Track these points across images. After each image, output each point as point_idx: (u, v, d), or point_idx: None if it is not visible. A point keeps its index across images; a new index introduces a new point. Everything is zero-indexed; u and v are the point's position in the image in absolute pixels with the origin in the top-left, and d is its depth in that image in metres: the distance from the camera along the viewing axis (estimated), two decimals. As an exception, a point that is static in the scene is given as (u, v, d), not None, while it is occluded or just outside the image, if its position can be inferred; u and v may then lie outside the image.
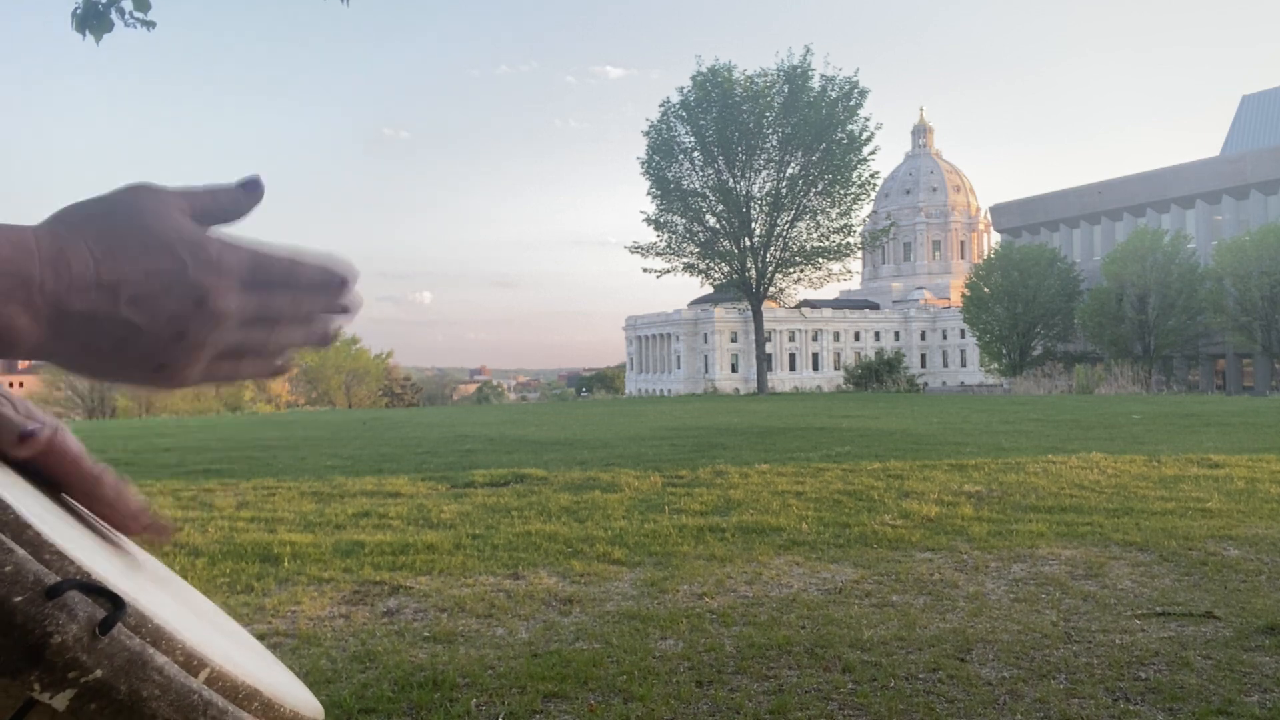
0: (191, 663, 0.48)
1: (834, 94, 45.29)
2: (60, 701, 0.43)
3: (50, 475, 0.63)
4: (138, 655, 0.45)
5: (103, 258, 0.48)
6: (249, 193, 0.55)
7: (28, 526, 0.46)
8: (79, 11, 4.93)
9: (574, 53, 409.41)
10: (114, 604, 0.45)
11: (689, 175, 47.37)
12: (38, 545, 0.45)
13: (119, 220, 0.49)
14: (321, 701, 0.73)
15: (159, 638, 0.47)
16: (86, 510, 0.67)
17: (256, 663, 0.63)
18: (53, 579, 0.44)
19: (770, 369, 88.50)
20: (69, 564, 0.46)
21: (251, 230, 0.57)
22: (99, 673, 0.44)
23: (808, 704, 3.54)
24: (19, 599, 0.42)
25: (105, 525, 0.69)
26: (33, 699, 0.43)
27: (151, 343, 0.50)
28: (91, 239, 0.48)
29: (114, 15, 4.97)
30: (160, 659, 0.46)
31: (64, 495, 0.66)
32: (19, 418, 0.60)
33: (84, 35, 4.93)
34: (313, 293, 0.56)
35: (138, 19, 5.03)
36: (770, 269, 46.62)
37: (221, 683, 0.50)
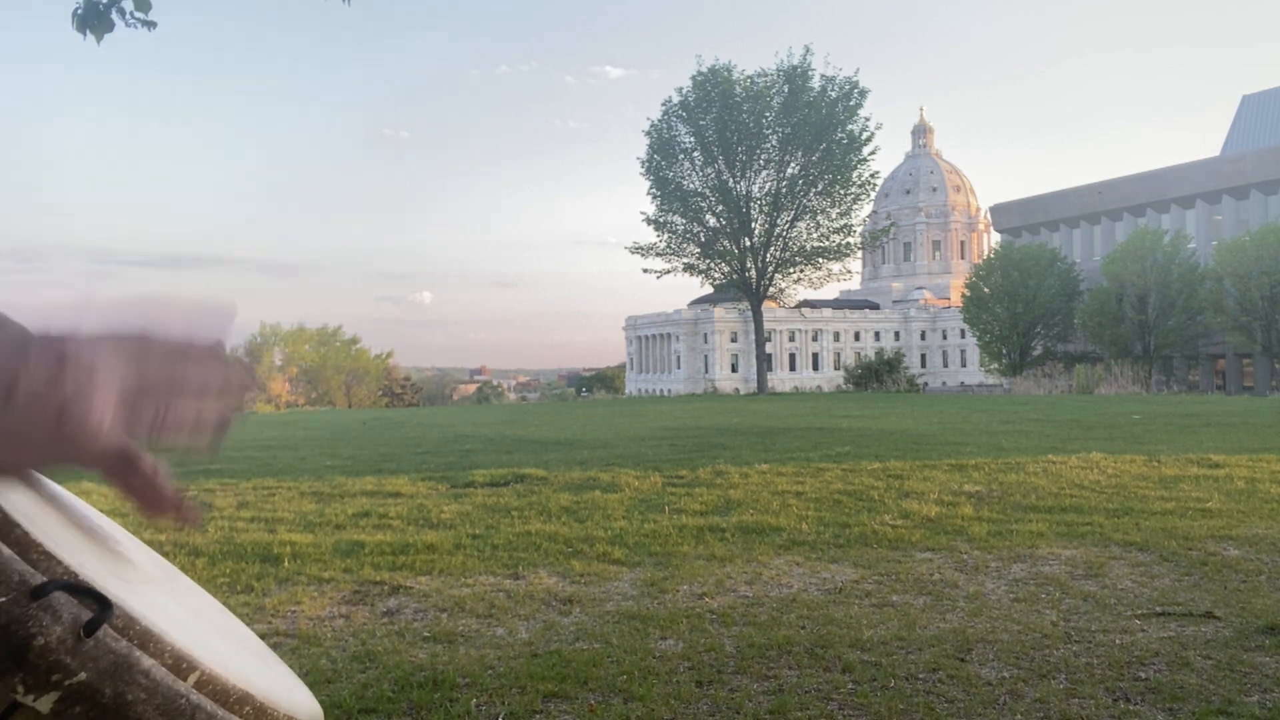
0: (180, 665, 0.48)
1: (834, 94, 45.28)
2: (44, 704, 0.43)
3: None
4: (124, 658, 0.45)
5: None
6: None
7: (15, 525, 0.45)
8: (80, 11, 4.92)
9: (574, 53, 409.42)
10: (100, 605, 0.45)
11: (689, 175, 47.39)
12: (25, 545, 0.45)
13: None
14: (321, 701, 0.73)
15: (147, 640, 0.47)
16: (84, 508, 0.67)
17: (254, 664, 0.62)
18: (38, 579, 0.44)
19: (770, 369, 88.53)
20: (56, 564, 0.45)
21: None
22: (83, 675, 0.43)
23: (808, 704, 3.53)
24: (2, 599, 0.42)
25: (106, 523, 0.68)
26: (16, 701, 0.43)
27: (34, 378, 0.47)
28: None
29: (115, 15, 4.97)
30: (147, 662, 0.46)
31: (62, 494, 0.65)
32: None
33: (85, 35, 4.93)
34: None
35: (138, 19, 5.02)
36: (770, 269, 46.62)
37: (212, 686, 0.49)
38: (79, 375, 0.48)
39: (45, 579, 0.44)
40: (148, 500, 0.63)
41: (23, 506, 0.50)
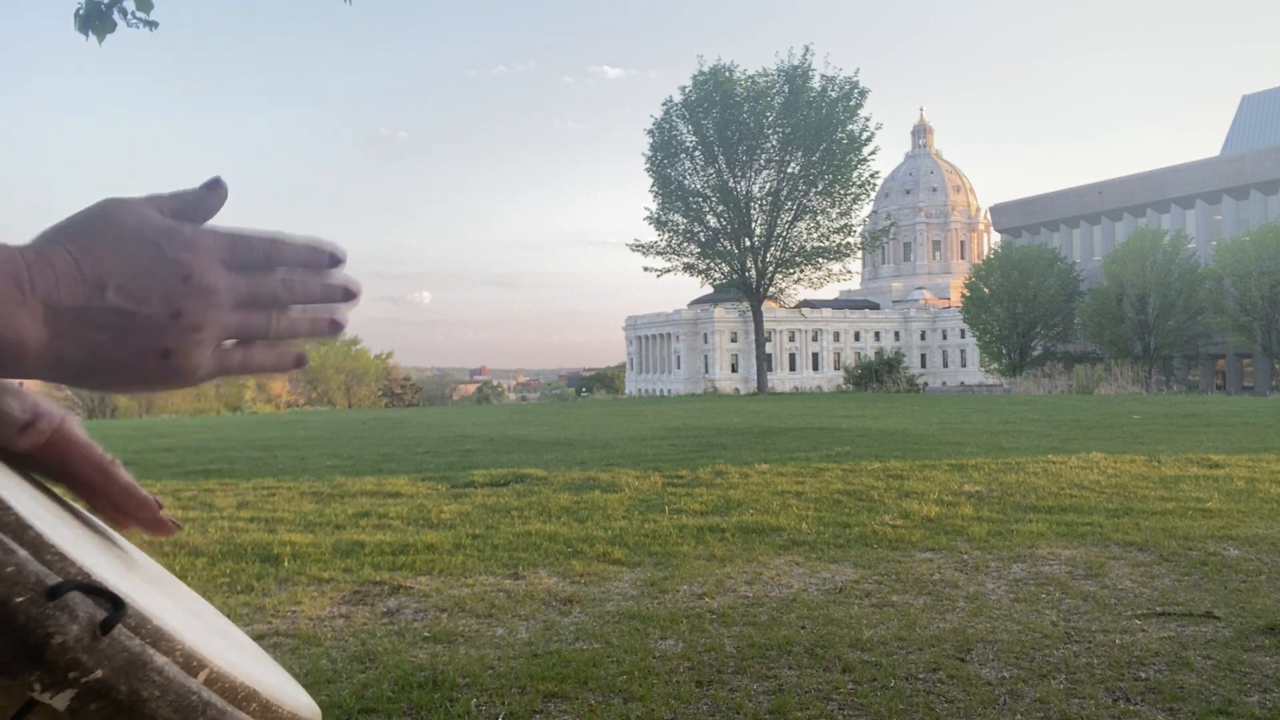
0: (191, 663, 0.49)
1: (834, 94, 45.27)
2: (61, 702, 0.44)
3: (57, 467, 0.62)
4: (138, 656, 0.46)
5: (82, 255, 0.49)
6: (212, 192, 0.56)
7: (29, 527, 0.46)
8: (81, 12, 4.93)
9: (572, 53, 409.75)
10: (114, 605, 0.46)
11: (690, 175, 47.40)
12: (39, 546, 0.46)
13: (92, 223, 0.51)
14: (321, 701, 0.73)
15: (159, 638, 0.48)
16: (88, 512, 0.68)
17: (253, 664, 0.63)
18: (54, 580, 0.44)
19: (770, 369, 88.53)
20: (70, 565, 0.46)
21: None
22: (99, 673, 0.44)
23: (808, 704, 3.54)
24: (20, 599, 0.43)
25: (105, 526, 0.69)
26: (33, 699, 0.44)
27: (149, 327, 0.50)
28: (68, 241, 0.50)
29: (116, 15, 4.97)
30: (160, 660, 0.47)
31: (64, 496, 0.66)
32: (20, 408, 0.60)
33: (87, 36, 4.93)
34: (303, 271, 0.57)
35: (140, 19, 5.03)
36: (770, 269, 46.61)
37: (221, 683, 0.50)
38: (196, 305, 0.51)
39: (60, 579, 0.45)
40: (120, 509, 0.65)
41: (36, 509, 0.50)
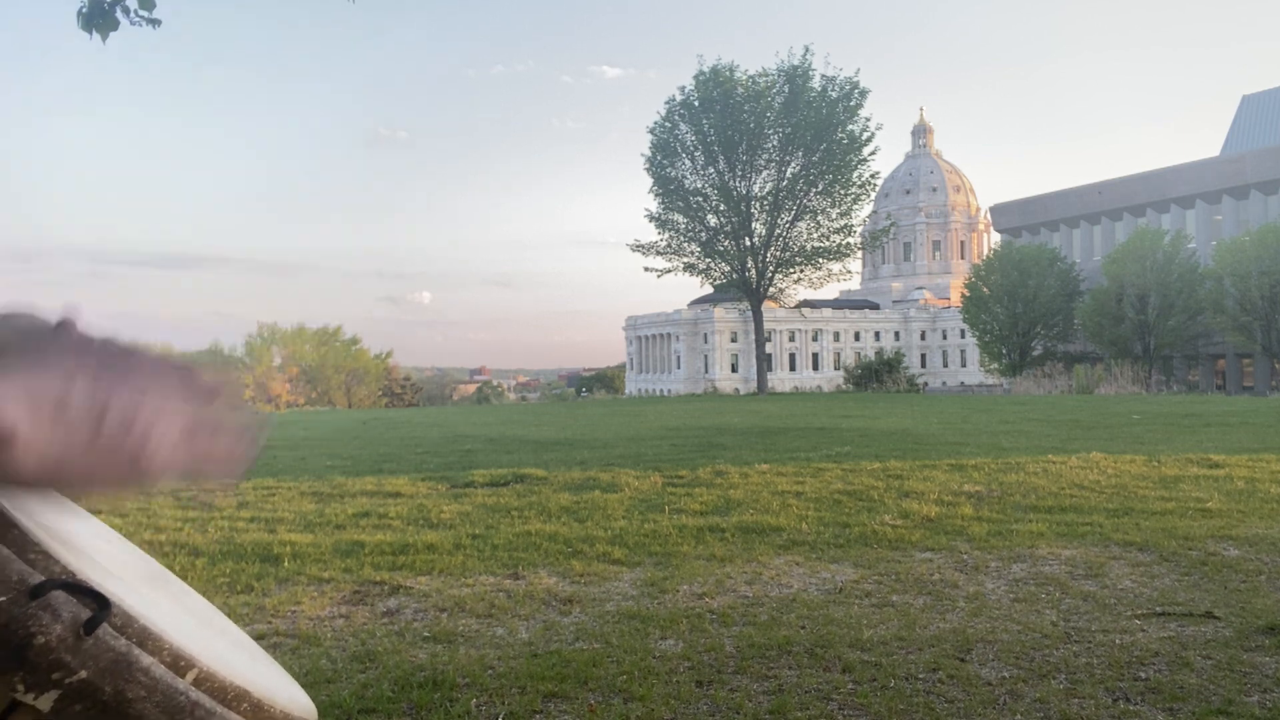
0: (179, 663, 0.48)
1: (834, 94, 45.25)
2: (44, 703, 0.43)
3: None
4: (123, 656, 0.45)
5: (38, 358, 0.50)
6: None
7: (13, 525, 0.45)
8: (85, 10, 4.93)
9: (570, 52, 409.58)
10: (99, 604, 0.45)
11: (690, 174, 47.40)
12: (22, 544, 0.45)
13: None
14: (321, 701, 0.73)
15: (145, 638, 0.47)
16: (78, 508, 0.67)
17: (249, 663, 0.62)
18: (37, 578, 0.44)
19: (770, 369, 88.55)
20: (54, 563, 0.45)
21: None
22: (83, 674, 0.43)
23: (808, 704, 3.53)
24: (2, 599, 0.42)
25: (97, 522, 0.68)
26: (16, 700, 0.43)
27: (122, 417, 0.49)
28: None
29: (119, 13, 4.98)
30: (146, 660, 0.46)
31: (61, 495, 0.65)
32: None
33: (90, 34, 4.93)
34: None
35: (143, 17, 5.03)
36: (770, 269, 46.60)
37: (210, 683, 0.50)
38: (153, 413, 0.50)
39: (44, 578, 0.44)
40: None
41: (20, 506, 0.50)
